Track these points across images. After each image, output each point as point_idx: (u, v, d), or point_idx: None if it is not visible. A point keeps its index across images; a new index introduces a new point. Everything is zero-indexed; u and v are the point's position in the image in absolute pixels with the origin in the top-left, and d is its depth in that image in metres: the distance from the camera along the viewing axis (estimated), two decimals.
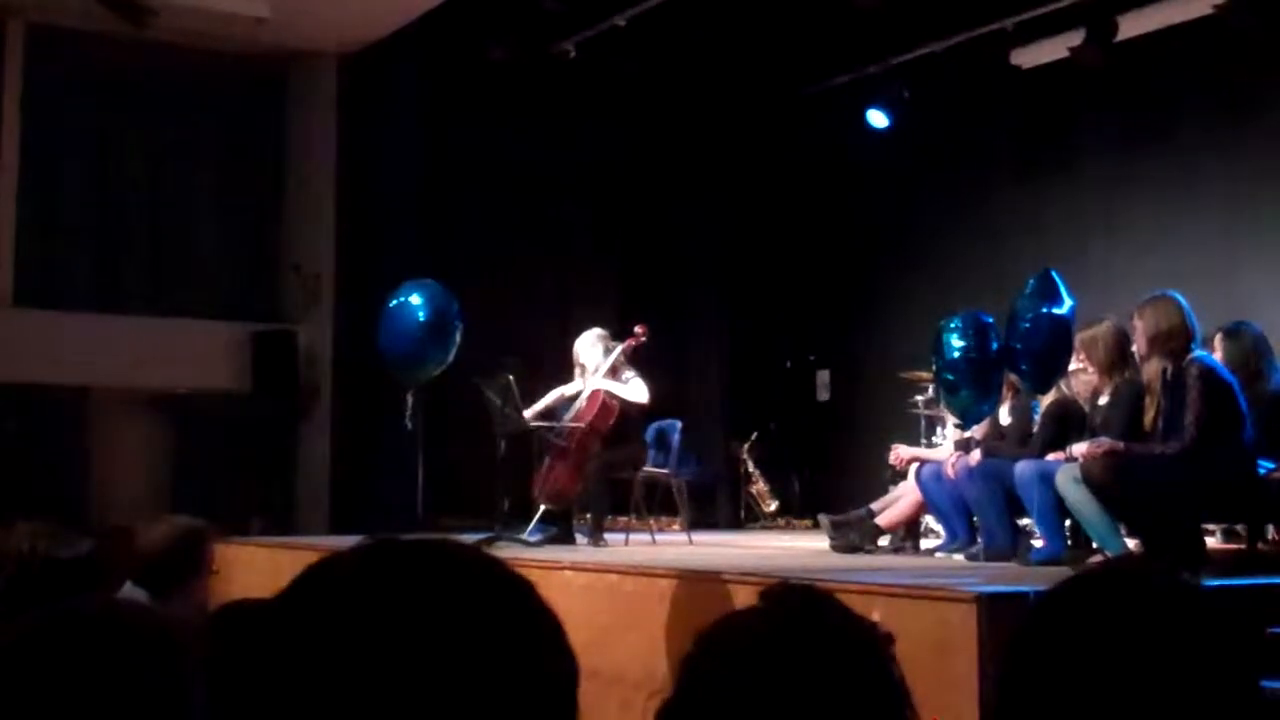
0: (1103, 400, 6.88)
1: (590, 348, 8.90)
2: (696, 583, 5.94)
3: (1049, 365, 6.76)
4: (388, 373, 8.71)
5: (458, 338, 8.35)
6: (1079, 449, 6.46)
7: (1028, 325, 6.68)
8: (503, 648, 1.04)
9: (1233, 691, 1.25)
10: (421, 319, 8.25)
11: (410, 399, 8.41)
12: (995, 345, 6.86)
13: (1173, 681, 1.23)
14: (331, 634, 1.03)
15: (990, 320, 6.98)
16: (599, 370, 8.80)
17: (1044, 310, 6.65)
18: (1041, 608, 1.33)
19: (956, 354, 6.87)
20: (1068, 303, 6.67)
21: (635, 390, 8.71)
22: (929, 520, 8.60)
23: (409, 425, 8.41)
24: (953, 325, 6.95)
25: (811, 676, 1.34)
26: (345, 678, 1.01)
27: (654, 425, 9.45)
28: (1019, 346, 6.72)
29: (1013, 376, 7.22)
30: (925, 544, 8.39)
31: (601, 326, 9.16)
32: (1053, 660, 1.28)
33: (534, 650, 1.07)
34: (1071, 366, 7.07)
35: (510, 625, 1.06)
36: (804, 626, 1.38)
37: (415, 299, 8.29)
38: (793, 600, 1.43)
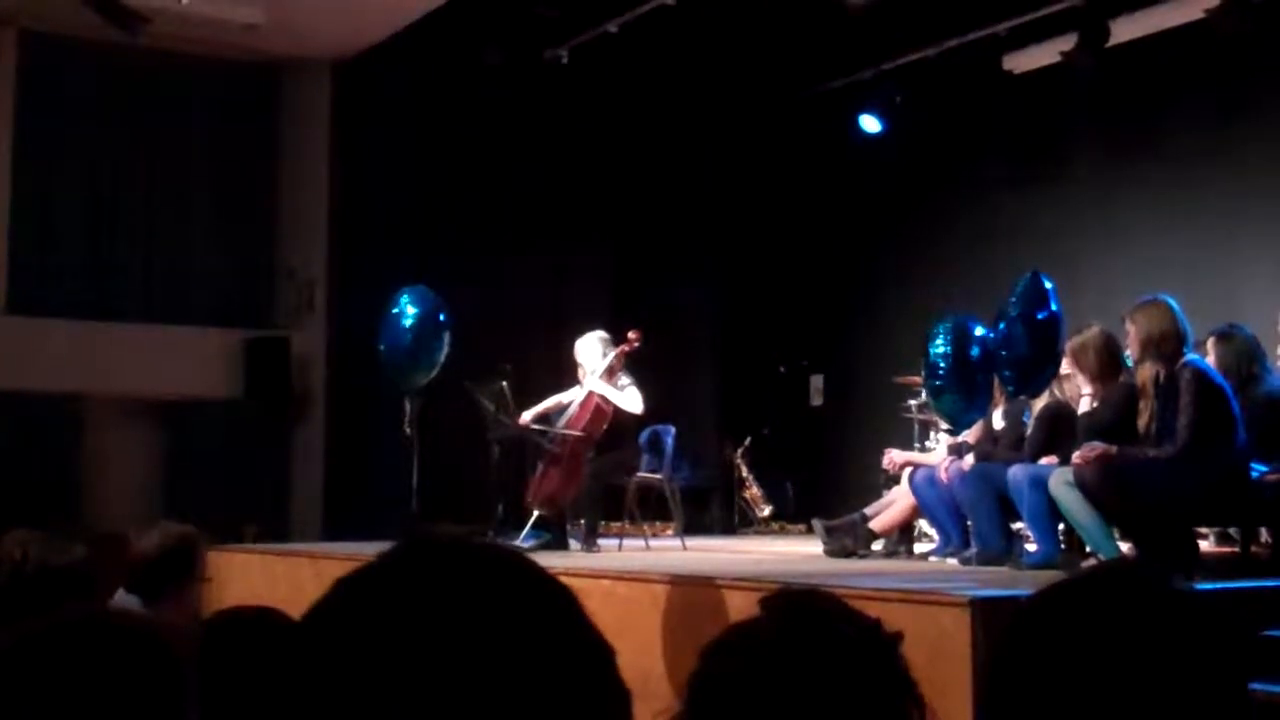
0: (1095, 404, 6.89)
1: (590, 349, 8.90)
2: (691, 588, 5.95)
3: (1032, 370, 6.76)
4: (382, 379, 8.73)
5: (445, 341, 8.36)
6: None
7: (1010, 330, 6.69)
8: (544, 653, 1.04)
9: (1222, 695, 1.26)
10: (407, 324, 8.30)
11: (409, 404, 8.43)
12: (976, 350, 6.87)
13: (1160, 684, 1.24)
14: (368, 644, 1.01)
15: (977, 324, 7.00)
16: (594, 373, 8.80)
17: (1027, 314, 6.65)
18: (1029, 610, 1.33)
19: (939, 359, 6.89)
20: (1052, 307, 6.67)
21: (629, 400, 8.70)
22: (923, 524, 8.61)
23: (409, 430, 8.42)
24: (937, 330, 6.98)
25: (822, 682, 1.34)
26: (386, 689, 1.00)
27: (648, 430, 9.45)
28: (1003, 352, 6.72)
29: None
30: (919, 548, 8.40)
31: (595, 331, 9.16)
32: (1040, 662, 1.28)
33: (572, 655, 1.07)
34: (1063, 370, 7.08)
35: (553, 631, 1.06)
36: (810, 632, 1.38)
37: (404, 304, 8.36)
38: (795, 607, 1.43)
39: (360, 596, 1.05)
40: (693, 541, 9.50)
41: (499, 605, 1.05)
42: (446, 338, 8.40)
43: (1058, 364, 6.91)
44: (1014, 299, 6.75)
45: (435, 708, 0.99)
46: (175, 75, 11.59)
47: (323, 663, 1.02)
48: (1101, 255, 10.42)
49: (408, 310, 8.34)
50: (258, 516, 11.13)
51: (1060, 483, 6.41)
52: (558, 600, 1.09)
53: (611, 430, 8.71)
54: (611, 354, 8.81)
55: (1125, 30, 10.01)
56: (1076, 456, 6.35)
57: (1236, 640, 1.30)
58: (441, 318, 8.40)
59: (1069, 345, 6.86)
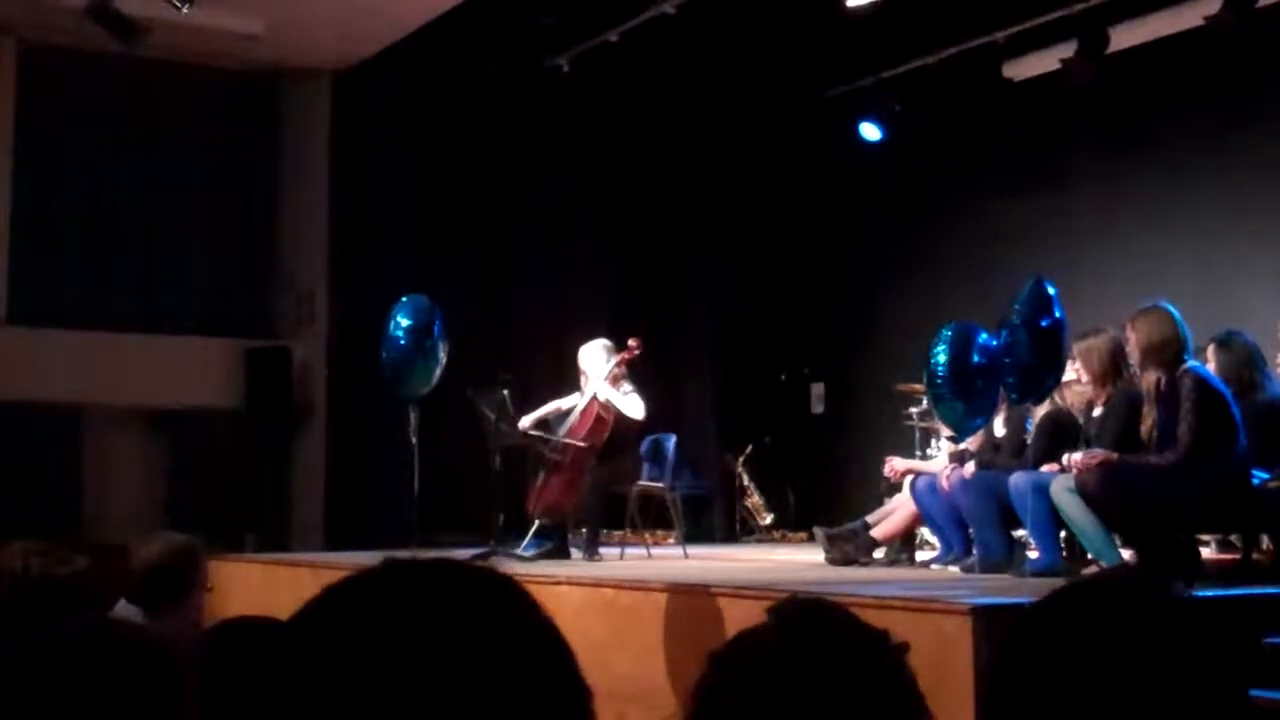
0: (1097, 411, 6.89)
1: (594, 356, 8.89)
2: (692, 597, 5.94)
3: (1035, 377, 6.75)
4: (383, 388, 8.74)
5: (442, 350, 8.37)
6: (1074, 458, 6.47)
7: (1013, 337, 6.68)
8: (513, 677, 1.04)
9: (1223, 703, 1.26)
10: (403, 334, 8.31)
11: (414, 414, 8.45)
12: (978, 357, 6.86)
13: (1161, 693, 1.24)
14: (346, 655, 1.02)
15: (980, 331, 6.99)
16: (597, 378, 8.79)
17: (1031, 321, 6.64)
18: (1029, 618, 1.33)
19: (940, 367, 6.89)
20: (1055, 314, 6.66)
21: (632, 405, 8.69)
22: (924, 532, 8.61)
23: (414, 440, 8.44)
24: (940, 337, 6.98)
25: (830, 691, 1.34)
26: (355, 704, 1.01)
27: (649, 438, 9.44)
28: (1006, 359, 6.72)
29: None
30: (921, 556, 8.39)
31: (599, 339, 9.16)
32: (1041, 671, 1.28)
33: (544, 680, 1.07)
34: (1066, 377, 7.07)
35: (525, 652, 1.06)
36: (819, 641, 1.38)
37: (400, 313, 8.39)
38: (805, 615, 1.43)
39: (326, 617, 1.07)
40: (694, 550, 9.49)
41: (457, 619, 1.05)
42: (443, 347, 8.41)
43: (1061, 371, 6.90)
44: (1017, 305, 6.74)
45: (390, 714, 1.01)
46: (175, 85, 11.60)
47: (296, 680, 1.03)
48: (1102, 262, 10.42)
49: (402, 321, 8.37)
50: (259, 526, 11.13)
51: (1062, 489, 6.41)
52: (518, 609, 1.09)
53: (613, 439, 8.71)
54: (613, 362, 8.81)
55: (1124, 37, 10.02)
56: (1078, 463, 6.35)
57: (1237, 648, 1.31)
58: (438, 326, 8.41)
59: (1077, 348, 6.86)
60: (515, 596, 1.10)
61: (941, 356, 6.91)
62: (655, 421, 9.21)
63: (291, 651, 1.05)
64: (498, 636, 1.05)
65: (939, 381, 6.96)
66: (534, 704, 1.05)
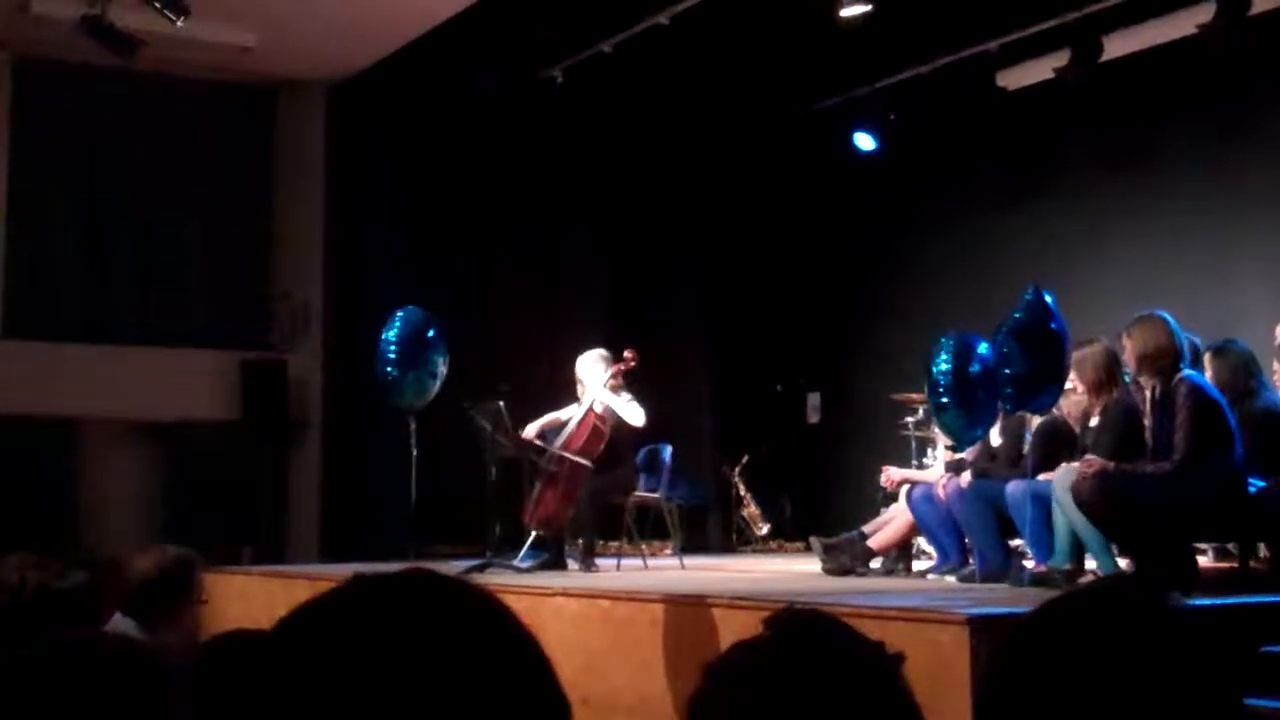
0: (1093, 421, 6.89)
1: (592, 366, 8.90)
2: (689, 608, 5.94)
3: (1031, 386, 6.74)
4: (378, 400, 8.74)
5: (440, 362, 8.36)
6: (1071, 469, 6.47)
7: (1010, 346, 6.68)
8: (488, 686, 1.04)
9: (1218, 711, 1.26)
10: (392, 348, 8.32)
11: (413, 425, 8.45)
12: (976, 367, 6.86)
13: (1156, 701, 1.24)
14: (317, 673, 1.02)
15: (980, 341, 6.99)
16: (595, 386, 8.79)
17: (1028, 330, 6.64)
18: (1026, 628, 1.33)
19: (940, 376, 6.89)
20: (1052, 325, 6.66)
21: (632, 413, 8.70)
22: (921, 542, 8.59)
23: (413, 452, 8.44)
24: (942, 346, 6.97)
25: (825, 703, 1.34)
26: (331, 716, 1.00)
27: (645, 448, 9.44)
28: (1005, 370, 6.71)
29: None
30: (917, 566, 8.38)
31: (596, 349, 9.15)
32: (1036, 680, 1.28)
33: (522, 690, 1.06)
34: (1066, 385, 7.07)
35: (496, 663, 1.05)
36: (814, 652, 1.38)
37: (391, 327, 8.41)
38: (800, 625, 1.43)
39: (293, 637, 1.07)
40: (691, 560, 9.48)
41: (426, 632, 1.05)
42: (443, 360, 8.40)
43: (1063, 380, 6.89)
44: (1015, 314, 6.74)
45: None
46: (170, 98, 11.60)
47: (269, 700, 1.03)
48: (1097, 270, 10.43)
49: (392, 335, 8.38)
50: (255, 538, 11.12)
51: (1064, 487, 6.40)
52: (496, 620, 1.09)
53: (608, 449, 8.70)
54: (609, 373, 8.81)
55: (1118, 46, 10.04)
56: (1074, 471, 6.35)
57: (1232, 656, 1.30)
58: (434, 339, 8.40)
59: (1071, 356, 6.86)
60: (487, 607, 1.09)
61: (944, 365, 6.90)
62: (651, 432, 9.21)
63: (263, 671, 1.05)
64: (469, 648, 1.05)
65: (942, 390, 6.95)
66: (509, 717, 1.04)
